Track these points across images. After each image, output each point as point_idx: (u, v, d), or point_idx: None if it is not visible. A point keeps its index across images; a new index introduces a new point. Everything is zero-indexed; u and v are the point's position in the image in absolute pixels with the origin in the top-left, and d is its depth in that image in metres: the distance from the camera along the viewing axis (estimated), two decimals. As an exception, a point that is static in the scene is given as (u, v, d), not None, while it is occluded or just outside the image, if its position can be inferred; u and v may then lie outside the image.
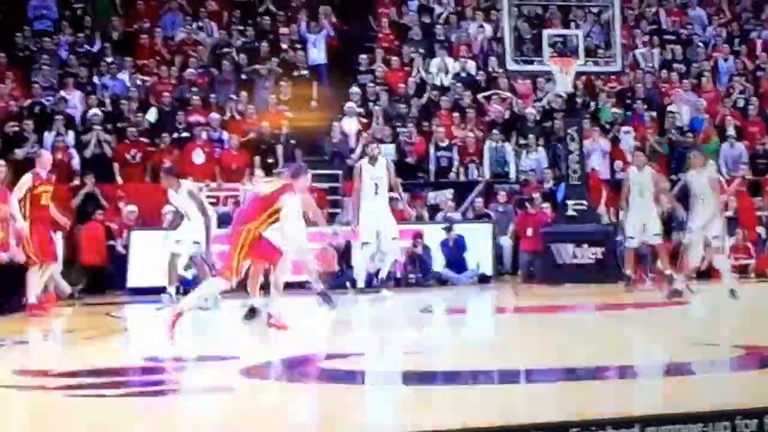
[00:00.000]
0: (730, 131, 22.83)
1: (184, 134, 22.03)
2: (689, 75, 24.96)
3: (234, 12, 25.63)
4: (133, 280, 18.81)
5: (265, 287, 12.36)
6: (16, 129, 21.09)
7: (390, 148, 21.43)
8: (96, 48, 24.24)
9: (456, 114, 23.35)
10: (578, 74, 21.42)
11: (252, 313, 12.52)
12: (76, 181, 20.67)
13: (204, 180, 20.03)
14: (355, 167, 16.94)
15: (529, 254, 20.62)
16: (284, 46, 24.51)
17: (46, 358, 10.62)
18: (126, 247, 19.29)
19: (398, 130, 22.70)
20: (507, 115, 23.59)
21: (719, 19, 27.03)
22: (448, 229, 20.05)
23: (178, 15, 25.39)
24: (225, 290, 11.88)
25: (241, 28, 24.99)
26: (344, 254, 18.80)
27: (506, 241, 21.05)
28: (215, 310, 14.30)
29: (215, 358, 9.83)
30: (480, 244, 20.24)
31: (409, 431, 6.28)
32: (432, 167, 22.48)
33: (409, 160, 21.94)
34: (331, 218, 19.70)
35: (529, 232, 20.55)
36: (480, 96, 23.96)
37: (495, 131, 22.80)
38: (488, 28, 25.57)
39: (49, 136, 21.12)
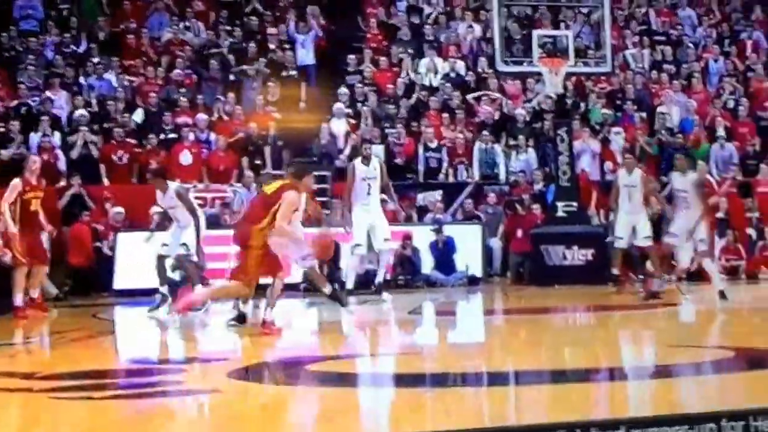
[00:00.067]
0: (720, 132, 22.74)
1: (171, 135, 21.88)
2: (679, 76, 24.89)
3: (221, 12, 25.53)
4: (120, 281, 18.83)
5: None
6: (2, 130, 21.01)
7: (379, 149, 21.27)
8: (82, 48, 24.13)
9: (445, 115, 23.27)
10: (568, 75, 21.39)
11: (240, 320, 12.39)
12: (63, 183, 20.49)
13: (191, 181, 19.97)
14: (348, 167, 16.80)
15: (518, 256, 20.57)
16: (272, 46, 24.39)
17: (32, 360, 10.58)
18: (112, 248, 19.23)
19: (387, 131, 22.60)
20: (497, 116, 23.50)
21: (709, 19, 26.99)
22: (438, 231, 19.96)
23: (165, 15, 25.27)
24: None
25: (229, 28, 24.89)
26: (333, 256, 18.68)
27: (496, 243, 20.98)
28: (204, 312, 14.26)
29: (203, 360, 9.92)
30: (469, 246, 20.19)
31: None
32: (421, 168, 22.38)
33: (398, 161, 21.82)
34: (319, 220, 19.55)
35: (519, 233, 20.49)
36: (469, 97, 23.88)
37: (484, 132, 22.71)
38: (477, 29, 25.50)
39: (35, 137, 20.98)
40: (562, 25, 23.51)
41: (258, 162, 21.42)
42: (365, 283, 17.38)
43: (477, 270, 20.09)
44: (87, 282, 19.23)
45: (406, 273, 19.49)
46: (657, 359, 9.50)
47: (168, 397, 7.82)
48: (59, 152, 21.02)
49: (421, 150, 22.46)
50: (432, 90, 24.08)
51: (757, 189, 21.72)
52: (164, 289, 14.83)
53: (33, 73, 22.84)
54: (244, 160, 21.48)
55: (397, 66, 24.69)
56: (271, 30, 24.85)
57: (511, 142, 22.90)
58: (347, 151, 21.52)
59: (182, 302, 11.93)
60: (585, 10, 22.65)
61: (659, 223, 18.48)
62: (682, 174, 15.25)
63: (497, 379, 8.45)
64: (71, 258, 19.12)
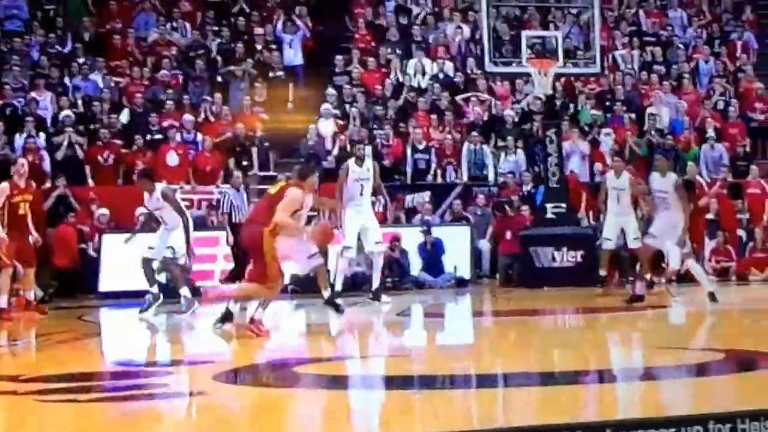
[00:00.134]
0: (710, 133, 22.65)
1: (158, 136, 21.74)
2: (669, 77, 24.79)
3: (208, 12, 25.43)
4: (105, 283, 18.83)
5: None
6: (-14, 130, 20.77)
7: (367, 151, 21.10)
8: (67, 49, 23.99)
9: (434, 116, 23.17)
10: (557, 76, 21.32)
11: (226, 318, 12.23)
12: (48, 184, 20.32)
13: (178, 182, 19.82)
14: (342, 167, 16.57)
15: (507, 257, 20.46)
16: (259, 47, 24.26)
17: (18, 363, 10.62)
18: (98, 250, 19.17)
19: (375, 132, 22.48)
20: (485, 117, 23.37)
21: (699, 20, 26.86)
22: (426, 232, 19.87)
23: (152, 15, 25.18)
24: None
25: (216, 28, 24.77)
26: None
27: (485, 245, 20.88)
28: (190, 314, 14.30)
29: (189, 362, 9.98)
30: (458, 247, 20.12)
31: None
32: (409, 170, 22.27)
33: (386, 162, 21.65)
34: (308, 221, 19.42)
35: (508, 235, 20.38)
36: (458, 98, 23.77)
37: (473, 133, 22.59)
38: (466, 29, 25.37)
39: (19, 138, 20.85)
40: (551, 25, 23.47)
41: (245, 163, 21.25)
42: (353, 285, 17.27)
43: (465, 272, 20.03)
44: (72, 284, 19.15)
45: (394, 275, 19.34)
46: (646, 361, 9.49)
47: (154, 399, 7.77)
48: (44, 153, 20.88)
49: (409, 151, 22.35)
50: (420, 91, 23.97)
51: (747, 190, 21.60)
52: (154, 289, 14.68)
53: (18, 74, 22.71)
54: (231, 161, 21.34)
55: (385, 67, 24.58)
56: (258, 30, 24.73)
57: (500, 143, 22.79)
58: (335, 152, 21.33)
59: (213, 294, 11.81)
60: (574, 11, 22.59)
61: (648, 225, 18.40)
62: (661, 175, 15.14)
63: (485, 381, 8.45)
64: (56, 260, 19.01)
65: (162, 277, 15.37)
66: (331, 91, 23.31)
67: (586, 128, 23.02)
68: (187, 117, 22.09)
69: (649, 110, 23.56)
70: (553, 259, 19.50)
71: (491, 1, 21.05)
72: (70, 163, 20.98)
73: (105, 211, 19.72)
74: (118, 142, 21.45)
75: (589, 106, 23.71)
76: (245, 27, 24.94)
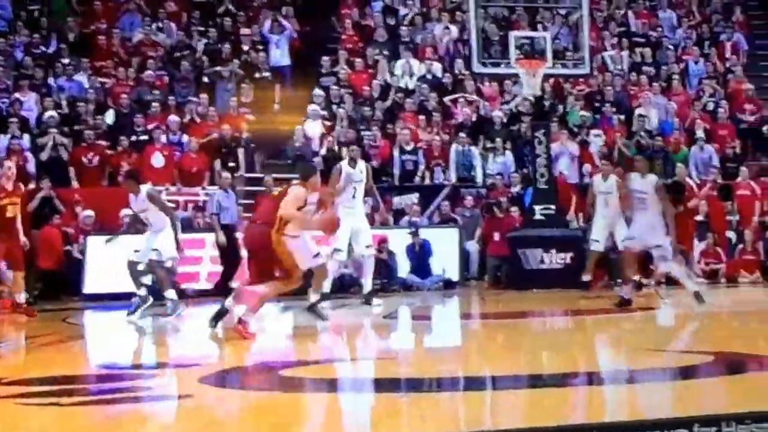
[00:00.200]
0: (700, 134, 22.56)
1: (143, 137, 21.61)
2: (659, 78, 24.72)
3: (193, 13, 25.34)
4: (90, 285, 18.72)
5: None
6: (-29, 132, 20.68)
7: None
8: (52, 49, 23.87)
9: (421, 117, 23.06)
10: (546, 77, 21.29)
11: (220, 314, 12.10)
12: (32, 185, 20.12)
13: (163, 184, 19.67)
14: (335, 168, 16.39)
15: (496, 259, 20.40)
16: (246, 47, 24.13)
17: (0, 365, 10.38)
18: (82, 252, 19.05)
19: (362, 133, 22.35)
20: (474, 118, 23.26)
21: (689, 21, 26.82)
22: (414, 234, 19.77)
23: (137, 16, 25.09)
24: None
25: (202, 29, 24.66)
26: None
27: (473, 246, 20.76)
28: (176, 317, 14.23)
29: (175, 365, 9.98)
30: (446, 249, 20.03)
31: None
32: (397, 171, 22.15)
33: (374, 163, 21.47)
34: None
35: (496, 236, 20.30)
36: (446, 99, 23.70)
37: (461, 134, 22.48)
38: (454, 30, 25.29)
39: (3, 139, 20.76)
40: (540, 26, 23.46)
41: (231, 164, 21.10)
42: (341, 287, 17.15)
43: (454, 274, 19.95)
44: (57, 286, 19.04)
45: (382, 277, 19.18)
46: (634, 364, 9.45)
47: (139, 402, 7.74)
48: (28, 154, 20.75)
49: (396, 152, 22.24)
50: (408, 92, 23.88)
51: (737, 192, 21.53)
52: (142, 292, 14.56)
53: (2, 74, 22.61)
54: (217, 163, 21.21)
55: (372, 67, 24.50)
56: (244, 31, 24.64)
57: (489, 145, 22.67)
58: (323, 153, 21.19)
59: (253, 300, 11.86)
60: (563, 12, 22.53)
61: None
62: (641, 175, 15.09)
63: (473, 383, 8.41)
64: (41, 262, 18.89)
65: (148, 280, 15.20)
66: (318, 91, 23.20)
67: (575, 129, 22.92)
68: (173, 118, 21.94)
69: (638, 111, 23.46)
70: (542, 261, 19.45)
71: (479, 1, 20.98)
72: (54, 164, 20.82)
73: (90, 212, 19.62)
74: (103, 143, 21.30)
75: (578, 107, 23.60)
76: (231, 27, 24.85)
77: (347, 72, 24.02)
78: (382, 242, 19.18)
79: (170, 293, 14.52)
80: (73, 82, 22.88)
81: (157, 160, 21.06)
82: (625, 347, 11.10)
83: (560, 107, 23.64)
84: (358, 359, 10.58)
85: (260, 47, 24.24)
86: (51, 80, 22.92)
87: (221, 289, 18.07)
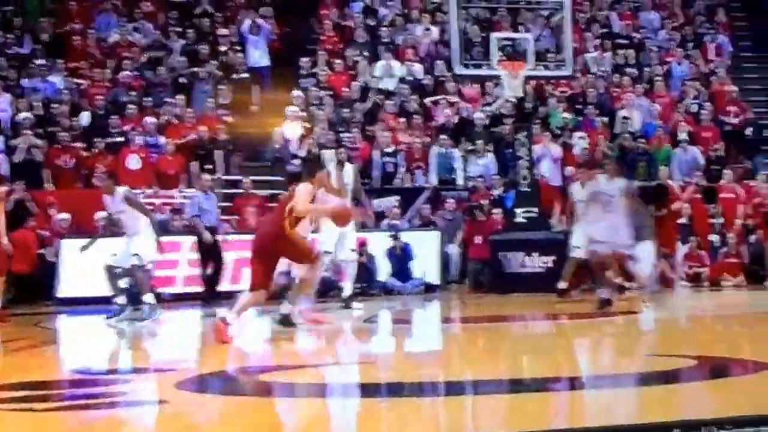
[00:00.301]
0: (683, 137, 22.43)
1: (119, 139, 21.43)
2: (642, 80, 24.68)
3: (171, 13, 25.19)
4: (64, 289, 18.47)
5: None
6: (-57, 134, 20.52)
7: (333, 154, 20.80)
8: (26, 50, 23.65)
9: (402, 119, 22.91)
10: (528, 78, 21.14)
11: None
12: (5, 188, 19.78)
13: (139, 186, 19.35)
14: (323, 171, 16.12)
15: (477, 263, 20.25)
16: (224, 48, 23.93)
17: None
18: (57, 255, 18.79)
19: (342, 135, 22.14)
20: (455, 119, 23.12)
21: (672, 22, 26.79)
22: (395, 237, 19.60)
23: (113, 16, 24.92)
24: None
25: (179, 29, 24.43)
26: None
27: (454, 249, 20.60)
28: (152, 321, 14.14)
29: (151, 370, 9.95)
30: (426, 253, 19.89)
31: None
32: (377, 173, 22.01)
33: (353, 165, 21.28)
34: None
35: (478, 240, 20.16)
36: (427, 100, 23.57)
37: (442, 136, 22.35)
38: (435, 31, 25.21)
39: (-23, 141, 20.47)
40: (522, 27, 23.33)
41: (208, 166, 20.83)
42: (323, 291, 16.92)
43: (434, 277, 19.83)
44: (30, 290, 18.69)
45: (362, 280, 18.97)
46: (615, 368, 9.52)
47: (114, 408, 7.64)
48: (2, 156, 20.53)
49: (376, 154, 22.10)
50: (388, 93, 23.74)
51: (720, 195, 21.45)
52: (121, 300, 14.38)
53: (-25, 76, 22.36)
54: (194, 165, 20.95)
55: (352, 69, 24.39)
56: (222, 31, 24.46)
57: (470, 147, 22.54)
58: (302, 155, 20.95)
59: (313, 317, 12.75)
60: (545, 13, 22.41)
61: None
62: (608, 178, 15.35)
63: (453, 388, 8.36)
64: (14, 265, 18.44)
65: (124, 283, 14.95)
66: (297, 93, 22.95)
67: (558, 131, 22.78)
68: (149, 120, 21.73)
69: (621, 113, 23.38)
70: (523, 264, 19.32)
71: (460, 2, 20.81)
72: (28, 166, 20.55)
73: (65, 215, 19.41)
74: (79, 145, 21.08)
75: (561, 109, 23.52)
76: (209, 28, 24.71)
77: (327, 73, 23.90)
78: (362, 245, 18.96)
79: (148, 297, 14.36)
80: (48, 83, 22.65)
81: (134, 162, 20.86)
82: (606, 351, 11.14)
83: (542, 109, 23.50)
84: (338, 364, 10.50)
85: (238, 48, 24.05)
86: (25, 81, 22.67)
87: (210, 294, 17.99)
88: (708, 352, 10.18)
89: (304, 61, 24.10)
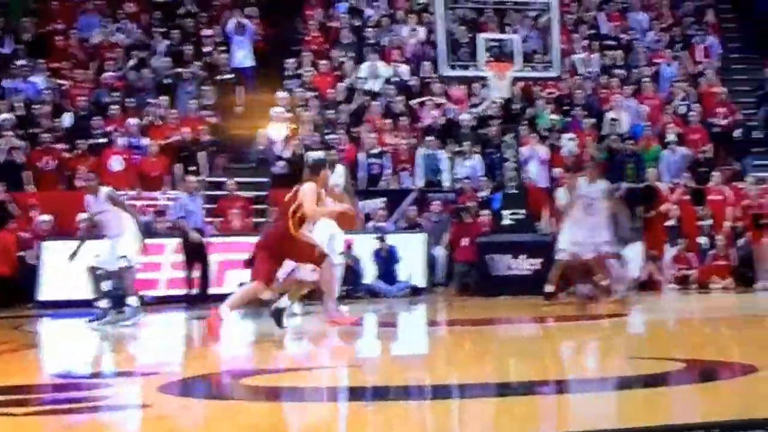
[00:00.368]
0: (671, 138, 22.33)
1: (102, 140, 21.30)
2: (630, 81, 24.60)
3: (154, 13, 25.13)
4: (45, 292, 18.34)
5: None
6: None
7: (319, 155, 20.58)
8: (7, 50, 23.51)
9: (388, 120, 22.80)
10: (515, 80, 21.02)
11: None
12: (-15, 189, 19.73)
13: (122, 188, 19.12)
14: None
15: (463, 265, 20.17)
16: (208, 48, 23.82)
17: None
18: (38, 257, 18.65)
19: (327, 136, 21.98)
20: (441, 121, 23.01)
21: (660, 23, 26.72)
22: (381, 239, 19.52)
23: (96, 16, 24.82)
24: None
25: (163, 30, 24.31)
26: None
27: (440, 252, 20.51)
28: (134, 324, 14.01)
29: (133, 374, 9.76)
30: (412, 255, 19.85)
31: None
32: (362, 175, 21.86)
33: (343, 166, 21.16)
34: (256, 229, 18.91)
35: (464, 242, 20.07)
36: (413, 102, 23.47)
37: (429, 138, 22.22)
38: (421, 32, 25.14)
39: (-42, 142, 20.30)
40: (509, 28, 23.32)
41: (192, 168, 20.66)
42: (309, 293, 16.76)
43: (420, 280, 19.78)
44: (11, 293, 18.57)
45: (347, 283, 18.79)
46: (603, 371, 9.50)
47: (95, 412, 7.50)
48: (-18, 158, 20.31)
49: (362, 156, 21.99)
50: (374, 94, 23.65)
51: (708, 197, 21.36)
52: (104, 304, 14.15)
53: (-45, 76, 22.22)
54: (178, 167, 20.81)
55: (337, 70, 24.29)
56: (206, 31, 24.34)
57: (456, 148, 22.45)
58: (287, 156, 20.76)
59: (339, 319, 12.66)
60: (532, 14, 22.33)
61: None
62: (589, 181, 15.48)
63: (439, 392, 8.29)
64: (-6, 267, 18.44)
65: (107, 285, 14.76)
66: (282, 94, 22.77)
67: (545, 133, 22.67)
68: (132, 121, 21.59)
69: (609, 115, 23.26)
70: (510, 267, 19.28)
71: (447, 3, 20.70)
72: (9, 168, 20.39)
73: (46, 217, 19.28)
74: (61, 146, 20.94)
75: (548, 110, 23.43)
76: (193, 28, 24.59)
77: (312, 74, 23.75)
78: (348, 247, 18.80)
79: (132, 300, 14.19)
80: (29, 83, 22.49)
81: (116, 163, 20.75)
82: (594, 355, 11.08)
83: (530, 110, 23.35)
84: (322, 367, 10.36)
85: (223, 48, 23.92)
86: (6, 82, 22.54)
87: (197, 296, 17.83)
88: (697, 355, 10.14)
89: (289, 61, 23.99)
